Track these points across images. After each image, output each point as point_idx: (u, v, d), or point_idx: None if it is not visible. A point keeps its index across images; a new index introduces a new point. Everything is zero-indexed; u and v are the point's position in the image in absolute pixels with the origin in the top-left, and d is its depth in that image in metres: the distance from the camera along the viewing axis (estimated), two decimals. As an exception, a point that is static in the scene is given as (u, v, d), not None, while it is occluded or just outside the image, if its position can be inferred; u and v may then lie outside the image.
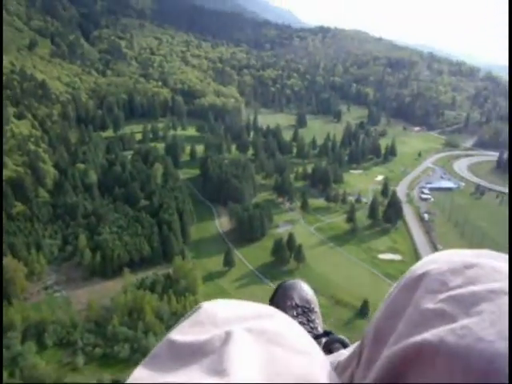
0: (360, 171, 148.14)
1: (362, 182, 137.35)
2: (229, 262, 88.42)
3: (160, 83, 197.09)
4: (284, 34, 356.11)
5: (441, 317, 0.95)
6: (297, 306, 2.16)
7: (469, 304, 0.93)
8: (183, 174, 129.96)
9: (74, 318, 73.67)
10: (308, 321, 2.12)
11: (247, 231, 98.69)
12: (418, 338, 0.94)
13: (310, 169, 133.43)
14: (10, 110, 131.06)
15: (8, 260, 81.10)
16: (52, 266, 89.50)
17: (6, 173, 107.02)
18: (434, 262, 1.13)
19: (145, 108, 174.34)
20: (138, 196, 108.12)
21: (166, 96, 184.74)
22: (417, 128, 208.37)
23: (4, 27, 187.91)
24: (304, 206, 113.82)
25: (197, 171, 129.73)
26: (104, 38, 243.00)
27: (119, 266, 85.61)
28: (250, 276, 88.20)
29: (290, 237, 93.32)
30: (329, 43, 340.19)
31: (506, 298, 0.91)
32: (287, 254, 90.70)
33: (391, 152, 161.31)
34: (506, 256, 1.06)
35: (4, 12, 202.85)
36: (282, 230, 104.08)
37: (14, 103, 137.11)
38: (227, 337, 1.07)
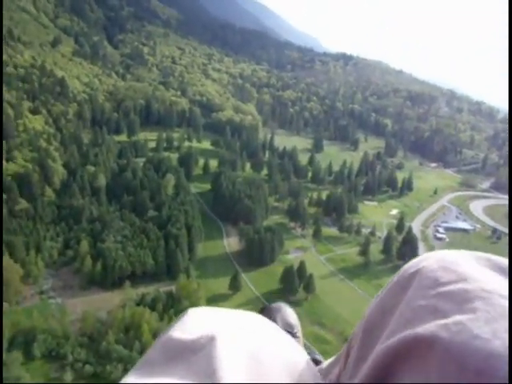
0: (375, 203, 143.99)
1: (377, 215, 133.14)
2: (235, 286, 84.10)
3: (179, 93, 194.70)
4: (306, 57, 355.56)
5: (433, 312, 0.94)
6: None
7: (461, 300, 0.93)
8: (194, 188, 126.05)
9: (67, 329, 69.27)
10: None
11: (256, 254, 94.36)
12: (409, 332, 0.93)
13: (324, 195, 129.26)
14: (25, 104, 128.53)
15: (5, 259, 77.06)
16: (50, 269, 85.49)
17: (13, 167, 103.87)
18: (426, 260, 1.13)
19: (161, 116, 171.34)
20: (147, 206, 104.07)
21: (183, 106, 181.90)
22: (433, 164, 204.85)
23: (29, 22, 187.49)
24: (316, 234, 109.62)
25: (208, 186, 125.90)
26: (127, 43, 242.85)
27: (120, 278, 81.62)
28: (255, 302, 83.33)
29: (301, 265, 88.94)
30: (350, 71, 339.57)
31: (501, 300, 0.90)
32: (297, 282, 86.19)
33: (408, 186, 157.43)
34: (501, 259, 1.06)
35: (31, 7, 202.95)
36: (292, 257, 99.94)
37: (31, 98, 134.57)
38: (213, 338, 1.09)
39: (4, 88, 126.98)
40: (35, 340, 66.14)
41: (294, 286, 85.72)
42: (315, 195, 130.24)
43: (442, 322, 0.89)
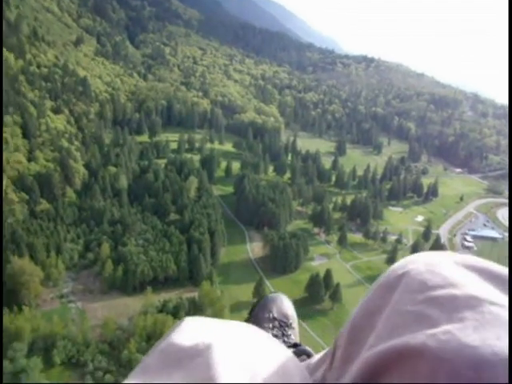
0: (400, 209, 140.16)
1: (402, 221, 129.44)
2: (259, 293, 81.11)
3: (200, 94, 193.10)
4: (327, 59, 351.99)
5: (421, 320, 0.94)
6: (274, 318, 2.17)
7: (450, 308, 0.93)
8: (216, 191, 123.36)
9: (87, 336, 67.37)
10: (283, 335, 2.12)
11: (281, 261, 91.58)
12: (398, 341, 0.93)
13: (348, 200, 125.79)
14: (47, 103, 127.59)
15: (25, 262, 75.51)
16: (70, 272, 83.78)
17: (35, 167, 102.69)
18: (413, 262, 1.13)
19: (183, 117, 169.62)
20: (169, 209, 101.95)
21: (205, 107, 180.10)
22: (458, 169, 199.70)
23: (53, 22, 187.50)
24: (341, 241, 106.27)
25: (230, 189, 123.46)
26: (149, 43, 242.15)
27: (141, 283, 79.59)
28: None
29: (327, 273, 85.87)
30: (371, 73, 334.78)
31: (489, 307, 0.91)
32: (322, 291, 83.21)
33: (433, 192, 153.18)
34: (487, 262, 1.07)
35: (55, 7, 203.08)
36: (317, 264, 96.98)
37: (53, 97, 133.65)
38: (211, 345, 1.12)
39: (27, 87, 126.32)
40: (55, 346, 64.34)
41: (319, 294, 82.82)
42: (339, 200, 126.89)
43: (431, 331, 0.89)
